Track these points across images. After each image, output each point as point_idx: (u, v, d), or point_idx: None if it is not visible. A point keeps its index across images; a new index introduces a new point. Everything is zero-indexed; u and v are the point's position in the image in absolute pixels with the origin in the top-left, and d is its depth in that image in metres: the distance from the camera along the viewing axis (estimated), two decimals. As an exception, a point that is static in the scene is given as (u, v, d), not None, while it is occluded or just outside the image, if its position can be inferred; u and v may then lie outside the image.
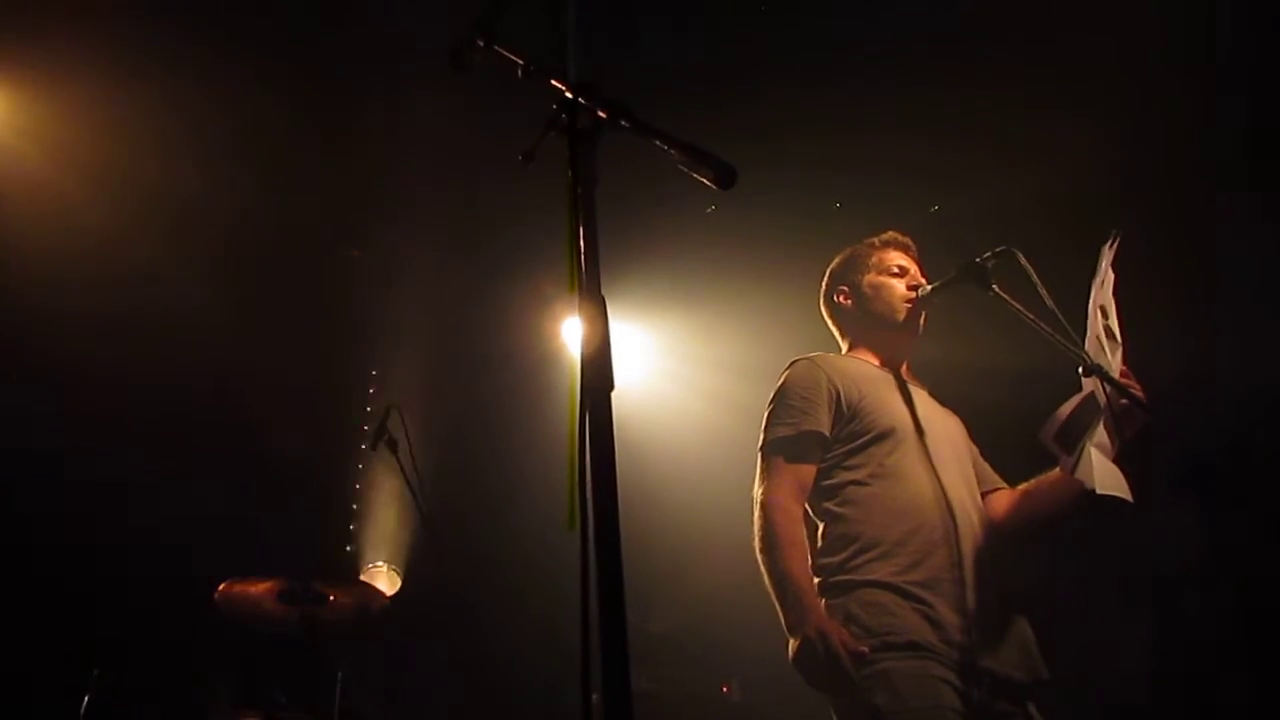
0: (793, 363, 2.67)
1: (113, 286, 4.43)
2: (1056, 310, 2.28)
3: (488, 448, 5.50)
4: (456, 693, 5.02)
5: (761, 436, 2.57)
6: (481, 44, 1.57)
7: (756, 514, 2.44)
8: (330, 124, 4.33)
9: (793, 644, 2.24)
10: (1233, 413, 3.51)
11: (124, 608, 4.39)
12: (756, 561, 2.40)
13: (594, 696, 1.07)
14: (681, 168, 1.37)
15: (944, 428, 2.64)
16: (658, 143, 1.34)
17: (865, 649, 2.17)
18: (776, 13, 3.92)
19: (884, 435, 2.48)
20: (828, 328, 2.92)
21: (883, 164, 4.33)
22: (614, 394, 1.20)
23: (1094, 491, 2.19)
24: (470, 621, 5.24)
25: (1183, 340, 3.53)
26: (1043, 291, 2.31)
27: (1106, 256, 2.33)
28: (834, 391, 2.54)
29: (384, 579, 4.46)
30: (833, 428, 2.51)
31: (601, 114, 1.33)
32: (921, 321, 2.73)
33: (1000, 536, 2.48)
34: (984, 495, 2.57)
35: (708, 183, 1.36)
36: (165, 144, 4.32)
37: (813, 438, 2.50)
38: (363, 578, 4.51)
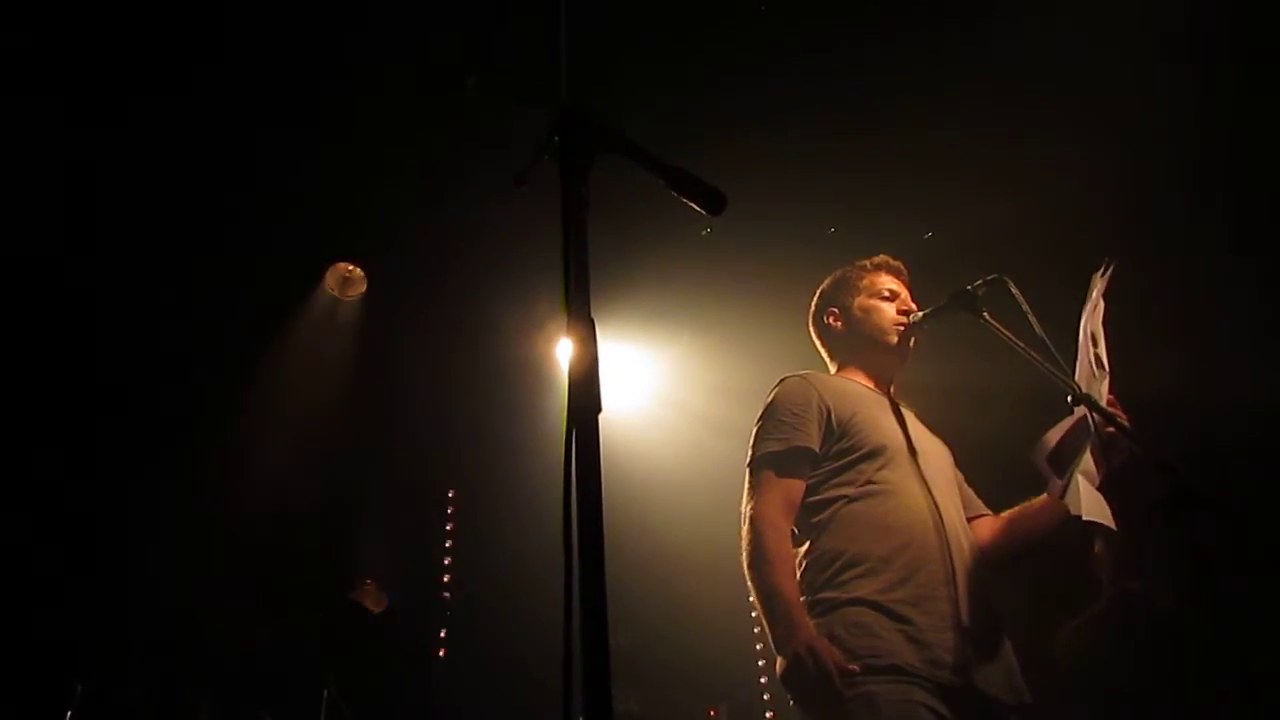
0: (783, 379, 2.66)
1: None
2: (1046, 338, 2.29)
3: (481, 468, 5.49)
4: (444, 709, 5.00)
5: (750, 452, 2.56)
6: (475, 73, 1.59)
7: (744, 530, 2.42)
8: (328, 143, 4.33)
9: (780, 661, 2.22)
10: (1216, 434, 3.53)
11: (108, 623, 4.36)
12: (746, 581, 2.40)
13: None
14: (672, 193, 1.38)
15: (934, 451, 2.64)
16: (648, 168, 1.36)
17: (855, 667, 2.15)
18: (772, 40, 3.95)
19: (875, 452, 2.48)
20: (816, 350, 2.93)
21: (877, 191, 4.35)
22: (606, 416, 1.21)
23: (1079, 518, 2.20)
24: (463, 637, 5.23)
25: (1169, 364, 3.56)
26: (1032, 319, 2.33)
27: (1098, 285, 2.35)
28: (825, 409, 2.54)
29: (371, 598, 4.45)
30: (822, 444, 2.50)
31: (594, 138, 1.34)
32: (910, 346, 2.75)
33: (985, 561, 2.48)
34: (969, 521, 2.57)
35: (697, 208, 1.37)
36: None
37: (802, 453, 2.49)
38: (351, 596, 4.51)
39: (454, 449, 5.51)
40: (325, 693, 3.98)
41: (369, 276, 5.20)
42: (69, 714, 3.52)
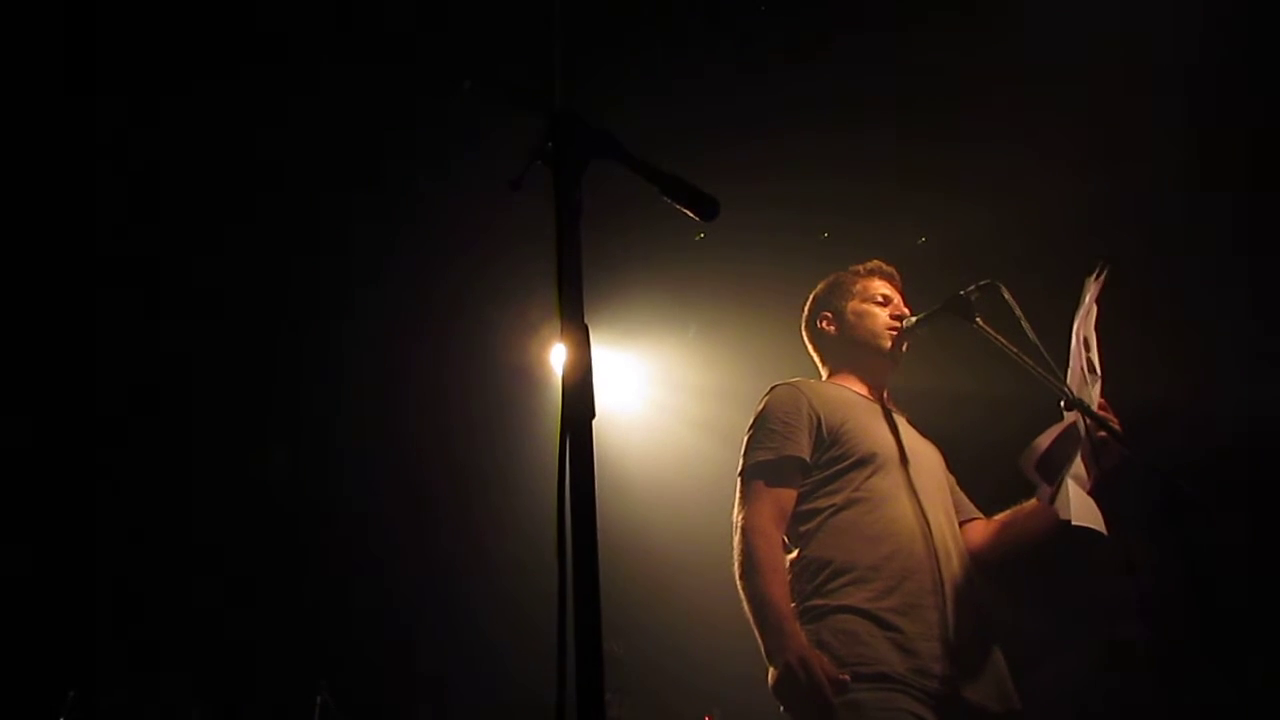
0: (773, 388, 2.66)
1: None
2: (1039, 344, 2.30)
3: (473, 474, 5.49)
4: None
5: (741, 461, 2.56)
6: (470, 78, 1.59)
7: (736, 539, 2.43)
8: (318, 145, 4.33)
9: (772, 672, 2.22)
10: (1209, 439, 3.54)
11: (102, 629, 4.35)
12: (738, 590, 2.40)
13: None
14: (665, 199, 1.38)
15: (925, 456, 2.65)
16: (641, 174, 1.36)
17: (846, 676, 2.16)
18: (766, 45, 3.97)
19: (864, 461, 2.48)
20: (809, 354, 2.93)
21: (871, 196, 4.36)
22: (600, 420, 1.21)
23: (1069, 523, 2.20)
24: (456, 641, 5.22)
25: (1161, 368, 3.57)
26: (1026, 325, 2.34)
27: (1091, 288, 2.35)
28: (815, 417, 2.54)
29: None
30: (813, 453, 2.50)
31: (587, 144, 1.34)
32: (902, 351, 2.75)
33: (976, 566, 2.49)
34: (960, 525, 2.58)
35: (690, 214, 1.37)
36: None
37: (793, 463, 2.49)
38: None
39: (448, 453, 5.50)
40: (318, 698, 3.98)
41: (363, 279, 5.19)
42: (60, 720, 3.51)
